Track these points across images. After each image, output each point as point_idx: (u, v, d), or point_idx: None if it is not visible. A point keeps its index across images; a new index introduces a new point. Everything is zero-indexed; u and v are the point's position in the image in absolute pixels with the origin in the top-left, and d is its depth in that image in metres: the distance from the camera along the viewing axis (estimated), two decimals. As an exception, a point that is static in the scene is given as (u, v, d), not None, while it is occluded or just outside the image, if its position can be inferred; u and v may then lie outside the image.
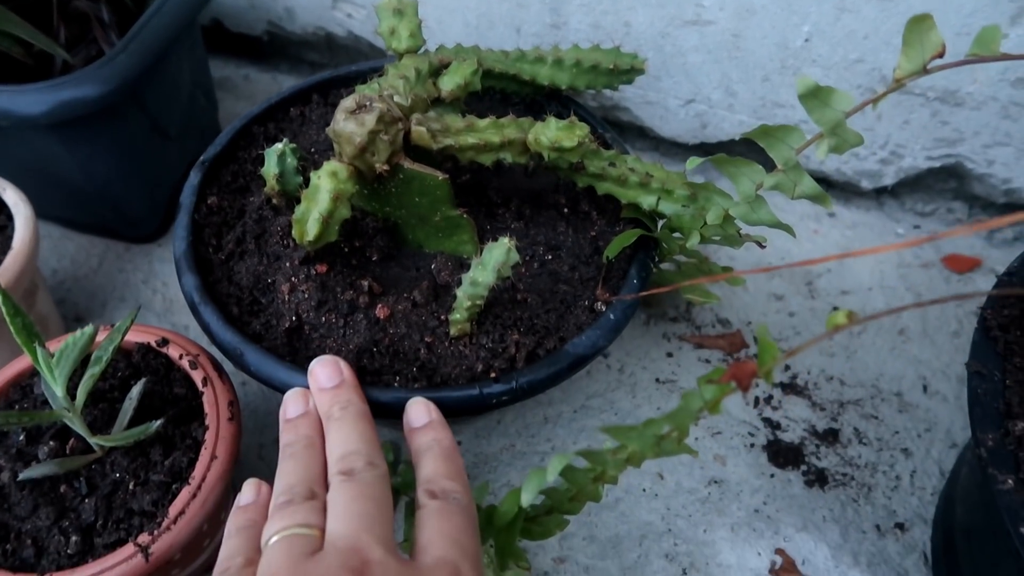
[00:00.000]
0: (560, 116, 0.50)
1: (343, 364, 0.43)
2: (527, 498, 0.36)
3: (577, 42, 0.69)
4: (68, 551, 0.42)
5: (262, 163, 0.58)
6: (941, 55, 0.37)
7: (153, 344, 0.49)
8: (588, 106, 0.67)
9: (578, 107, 0.61)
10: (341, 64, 0.84)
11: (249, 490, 0.40)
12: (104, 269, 0.71)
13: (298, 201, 0.53)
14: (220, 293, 0.50)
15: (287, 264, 0.51)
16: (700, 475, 0.59)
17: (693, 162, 0.45)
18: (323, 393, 0.42)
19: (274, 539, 0.34)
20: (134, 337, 0.50)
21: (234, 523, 0.38)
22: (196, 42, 0.70)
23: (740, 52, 0.67)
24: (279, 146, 0.51)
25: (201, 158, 0.56)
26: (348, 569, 0.32)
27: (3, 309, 0.38)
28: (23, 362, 0.48)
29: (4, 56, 0.62)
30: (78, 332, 0.40)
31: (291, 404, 0.42)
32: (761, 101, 0.69)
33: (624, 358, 0.66)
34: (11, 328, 0.39)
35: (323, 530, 0.35)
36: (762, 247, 0.51)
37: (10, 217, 0.56)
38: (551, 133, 0.47)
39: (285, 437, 0.40)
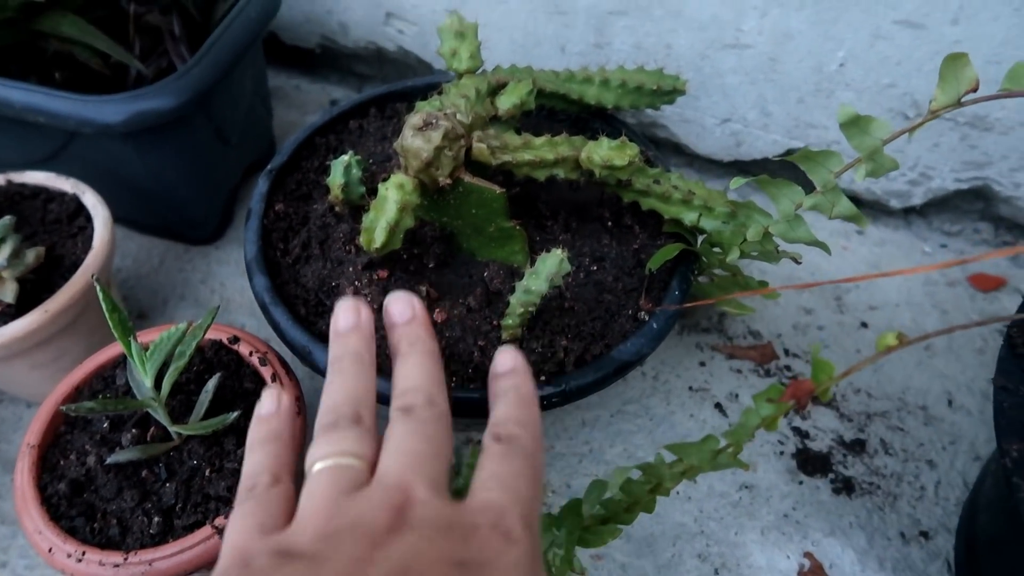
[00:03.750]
0: (604, 133, 0.54)
1: (416, 301, 0.40)
2: (588, 508, 0.39)
3: (619, 62, 0.72)
4: (151, 531, 0.45)
5: (324, 172, 0.62)
6: (975, 89, 0.40)
7: (225, 341, 0.53)
8: (628, 123, 0.70)
9: (622, 125, 0.65)
10: (389, 76, 0.88)
11: (269, 399, 0.38)
12: (165, 268, 0.75)
13: (360, 210, 0.57)
14: (288, 294, 0.53)
15: (350, 269, 0.54)
16: (731, 480, 0.62)
17: (737, 182, 0.48)
18: (394, 328, 0.39)
19: (318, 466, 0.32)
20: (207, 334, 0.53)
21: (255, 434, 0.36)
22: (258, 54, 0.74)
23: (776, 74, 0.69)
24: (345, 157, 0.54)
25: (268, 167, 0.60)
26: (389, 507, 0.30)
27: (103, 305, 0.42)
28: (105, 355, 0.52)
29: (83, 67, 0.66)
30: (172, 328, 0.43)
31: (342, 316, 0.39)
32: (795, 121, 0.72)
33: (658, 366, 0.69)
34: (109, 322, 0.42)
35: (372, 462, 0.33)
36: (798, 263, 0.54)
37: (89, 219, 0.60)
38: (603, 152, 0.50)
39: (333, 351, 0.37)
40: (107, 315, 0.42)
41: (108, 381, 0.51)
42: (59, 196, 0.62)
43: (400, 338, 0.38)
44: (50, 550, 0.44)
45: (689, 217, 0.54)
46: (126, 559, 0.43)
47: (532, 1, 0.72)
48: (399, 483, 0.31)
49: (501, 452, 0.34)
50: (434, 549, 0.28)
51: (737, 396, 0.67)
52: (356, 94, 0.90)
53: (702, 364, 0.69)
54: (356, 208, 0.57)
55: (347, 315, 0.38)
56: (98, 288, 0.42)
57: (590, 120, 0.65)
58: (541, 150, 0.51)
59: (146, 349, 0.44)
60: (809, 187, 0.48)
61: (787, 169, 0.77)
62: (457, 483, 0.61)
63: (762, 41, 0.67)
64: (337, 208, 0.57)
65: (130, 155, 0.64)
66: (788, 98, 0.71)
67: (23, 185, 0.62)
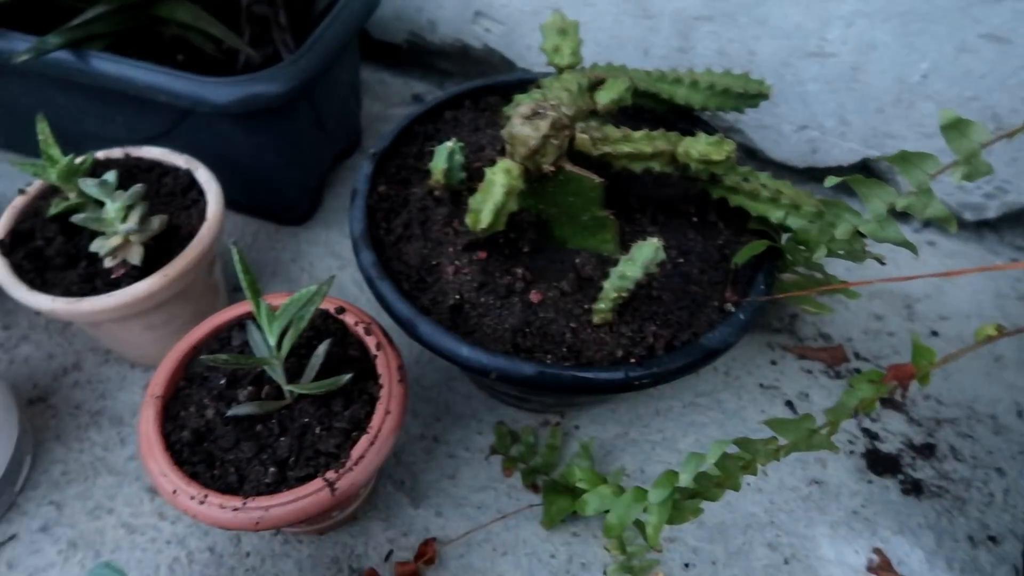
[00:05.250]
0: (690, 133, 0.56)
1: None
2: (685, 478, 0.41)
3: (702, 66, 0.74)
4: (266, 480, 0.48)
5: (422, 158, 0.65)
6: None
7: (332, 311, 0.56)
8: (711, 126, 0.72)
9: (706, 126, 0.67)
10: (470, 74, 0.91)
11: None
12: (257, 246, 0.79)
13: (459, 194, 0.60)
14: (392, 270, 0.56)
15: (449, 249, 0.57)
16: (802, 475, 0.63)
17: (831, 180, 0.50)
18: None
19: None
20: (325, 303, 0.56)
21: None
22: (355, 47, 0.78)
23: (858, 84, 0.71)
24: (449, 144, 0.57)
25: (372, 150, 0.63)
26: None
27: (239, 267, 0.45)
28: (220, 318, 0.56)
29: (197, 51, 0.70)
30: (304, 291, 0.46)
31: None
32: (873, 131, 0.74)
33: (730, 363, 0.71)
34: (243, 283, 0.46)
35: None
36: (882, 263, 0.55)
37: (201, 193, 0.64)
38: (701, 147, 0.52)
39: None
40: (241, 276, 0.46)
41: (224, 342, 0.55)
42: (173, 171, 0.66)
43: None
44: (174, 492, 0.48)
45: (776, 215, 0.56)
46: (244, 504, 0.47)
47: (619, 4, 0.74)
48: None
49: None
50: None
51: (808, 396, 0.68)
52: (438, 90, 0.94)
53: (773, 363, 0.71)
54: (455, 192, 0.60)
55: None
56: (235, 251, 0.46)
57: (675, 120, 0.67)
58: (640, 143, 0.54)
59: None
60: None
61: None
62: (535, 461, 0.64)
63: (845, 51, 0.69)
64: (437, 192, 0.60)
65: (237, 136, 0.68)
66: (867, 108, 0.72)
67: (140, 159, 0.67)
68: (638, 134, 0.54)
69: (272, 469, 0.49)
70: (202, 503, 0.47)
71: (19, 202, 0.63)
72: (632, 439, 0.65)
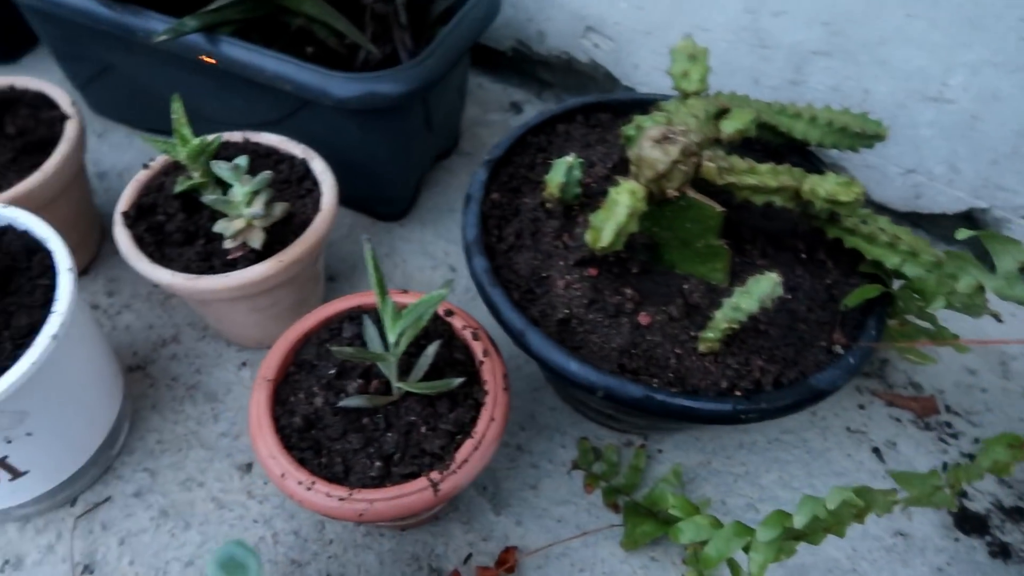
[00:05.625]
0: (800, 167, 0.56)
1: None
2: (799, 520, 0.41)
3: (814, 100, 0.74)
4: (371, 474, 0.49)
5: (533, 168, 0.66)
6: None
7: (440, 313, 0.57)
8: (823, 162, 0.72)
9: (819, 162, 0.66)
10: (570, 86, 0.91)
11: None
12: (352, 238, 0.80)
13: (570, 208, 0.61)
14: (503, 279, 0.57)
15: (560, 262, 0.57)
16: (886, 524, 0.62)
17: (963, 233, 0.49)
18: None
19: None
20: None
21: None
22: (468, 53, 0.79)
23: (974, 133, 0.70)
24: (569, 159, 0.58)
25: (486, 158, 0.64)
26: None
27: (369, 264, 0.46)
28: (331, 308, 0.57)
29: (321, 45, 0.72)
30: (435, 292, 0.47)
31: None
32: (984, 182, 0.72)
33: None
34: (372, 279, 0.47)
35: None
36: (1000, 321, 0.54)
37: (315, 183, 0.65)
38: (829, 187, 0.52)
39: None
40: (371, 273, 0.47)
41: (334, 332, 0.56)
42: (289, 159, 0.68)
43: None
44: (282, 475, 0.49)
45: (892, 260, 0.56)
46: (350, 495, 0.48)
47: (736, 33, 0.74)
48: None
49: None
50: None
51: (895, 445, 0.67)
52: (535, 99, 0.94)
53: (861, 407, 0.70)
54: (567, 206, 0.61)
55: None
56: (368, 248, 0.47)
57: (785, 153, 0.67)
58: (765, 177, 0.53)
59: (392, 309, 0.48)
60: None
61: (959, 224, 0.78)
62: (618, 481, 0.64)
63: (966, 98, 0.68)
64: (549, 204, 0.61)
65: (350, 129, 0.70)
66: (981, 158, 0.71)
67: (258, 144, 0.68)
68: (764, 167, 0.54)
69: (378, 463, 0.50)
70: (309, 489, 0.48)
71: (143, 176, 0.65)
72: (715, 469, 0.65)
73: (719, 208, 0.53)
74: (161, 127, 0.87)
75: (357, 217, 0.82)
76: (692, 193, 0.53)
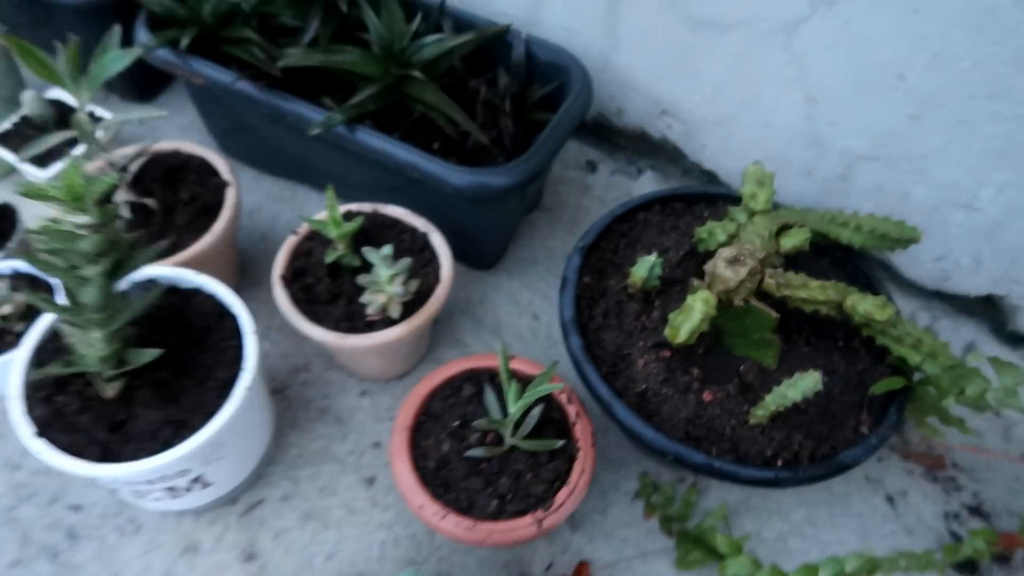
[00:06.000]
0: (846, 267, 0.69)
1: None
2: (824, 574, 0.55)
3: (859, 195, 0.86)
4: (489, 510, 0.64)
5: (616, 253, 0.78)
6: None
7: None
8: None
9: (859, 257, 0.78)
10: (641, 151, 1.03)
11: None
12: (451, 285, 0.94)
13: (648, 294, 0.74)
14: (593, 354, 0.70)
15: (639, 343, 0.71)
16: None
17: (976, 357, 0.62)
18: None
19: None
20: (523, 367, 0.71)
21: None
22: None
23: (997, 237, 0.81)
24: (651, 259, 0.70)
25: (579, 244, 0.77)
26: None
27: (501, 357, 0.60)
28: (453, 368, 0.71)
29: (439, 131, 0.85)
30: (547, 379, 0.61)
31: None
32: (1003, 275, 0.84)
33: (841, 453, 0.83)
34: (501, 363, 0.60)
35: None
36: (998, 415, 0.67)
37: (434, 254, 0.79)
38: (867, 307, 0.64)
39: None
40: (501, 361, 0.60)
41: (455, 389, 0.70)
42: (411, 230, 0.81)
43: None
44: (420, 506, 0.64)
45: (915, 359, 0.68)
46: (475, 525, 0.62)
47: (796, 133, 0.86)
48: None
49: None
50: None
51: (906, 494, 0.80)
52: (609, 159, 1.07)
53: (879, 459, 0.83)
54: (647, 292, 0.74)
55: None
56: (500, 351, 0.60)
57: (831, 250, 0.79)
58: (815, 291, 0.66)
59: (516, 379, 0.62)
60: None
61: (987, 309, 0.89)
62: (673, 511, 0.78)
63: (992, 209, 0.79)
64: (631, 290, 0.74)
65: (461, 206, 0.83)
66: (1002, 257, 0.82)
67: (385, 216, 0.82)
68: (814, 283, 0.66)
69: (495, 501, 0.64)
70: (442, 519, 0.63)
71: (291, 241, 0.79)
72: (753, 505, 0.79)
73: (775, 314, 0.66)
74: (285, 175, 1.01)
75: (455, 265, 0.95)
76: (754, 301, 0.66)
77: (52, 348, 0.66)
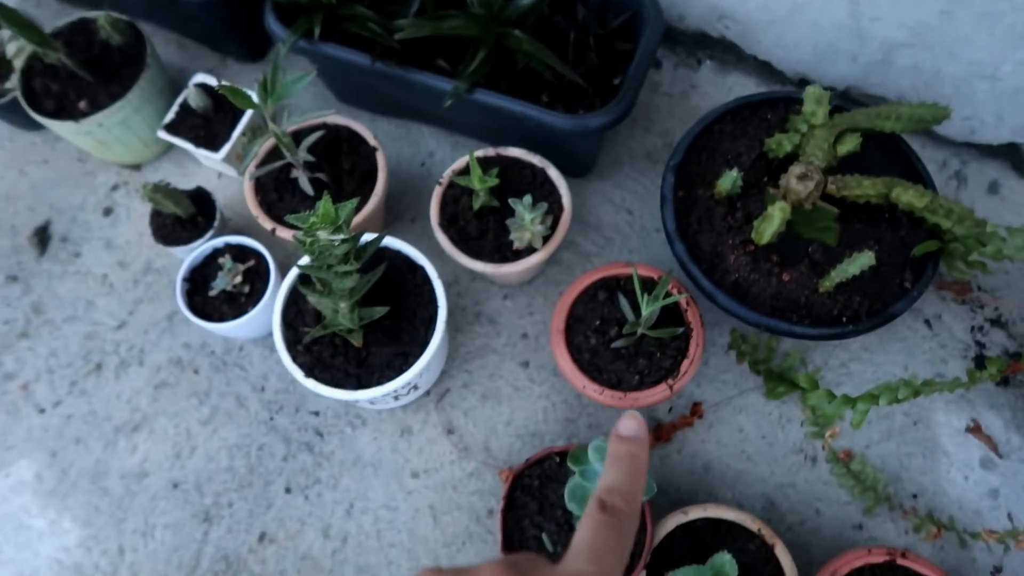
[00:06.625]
0: (884, 146, 0.87)
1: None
2: (883, 402, 0.78)
3: (897, 74, 1.00)
4: (633, 383, 0.88)
5: (700, 165, 0.96)
6: None
7: (655, 279, 0.92)
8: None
9: (904, 145, 0.95)
10: (699, 47, 1.16)
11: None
12: (556, 196, 1.13)
13: (732, 199, 0.93)
14: (694, 256, 0.91)
15: (728, 241, 0.91)
16: (931, 369, 1.00)
17: (993, 226, 0.80)
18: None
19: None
20: (642, 272, 0.92)
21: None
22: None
23: (1017, 100, 0.96)
24: (733, 174, 0.89)
25: (670, 163, 0.95)
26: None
27: (664, 283, 0.81)
28: (589, 279, 0.92)
29: (537, 76, 1.00)
30: (664, 277, 0.82)
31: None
32: (1022, 127, 1.00)
33: (888, 291, 1.05)
34: (635, 274, 0.82)
35: None
36: (1012, 261, 0.87)
37: (553, 186, 0.98)
38: (908, 197, 0.83)
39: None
40: (634, 273, 0.82)
41: (591, 296, 0.92)
42: (530, 166, 0.99)
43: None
44: (583, 386, 0.88)
45: (946, 224, 0.87)
46: (624, 396, 0.87)
47: (841, 29, 0.99)
48: (578, 571, 0.37)
49: (601, 522, 0.39)
50: None
51: (940, 317, 1.03)
52: (671, 53, 1.20)
53: (919, 293, 1.04)
54: (729, 198, 0.92)
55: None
56: (667, 276, 0.81)
57: (876, 135, 0.95)
58: (866, 188, 0.85)
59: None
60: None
61: (1008, 152, 1.06)
62: (759, 355, 1.01)
63: (1013, 78, 0.94)
64: (716, 197, 0.93)
65: (563, 137, 1.00)
66: (1021, 114, 0.98)
67: (506, 156, 1.00)
68: (867, 182, 0.85)
69: (636, 377, 0.88)
70: (600, 394, 0.88)
71: (438, 191, 0.99)
72: (820, 343, 1.02)
73: (835, 210, 0.85)
74: (399, 116, 1.17)
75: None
76: (819, 203, 0.85)
77: (293, 311, 0.90)
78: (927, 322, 1.03)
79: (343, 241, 0.73)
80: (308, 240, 0.73)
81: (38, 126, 1.21)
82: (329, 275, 0.76)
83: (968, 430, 0.97)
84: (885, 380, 0.98)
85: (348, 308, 0.81)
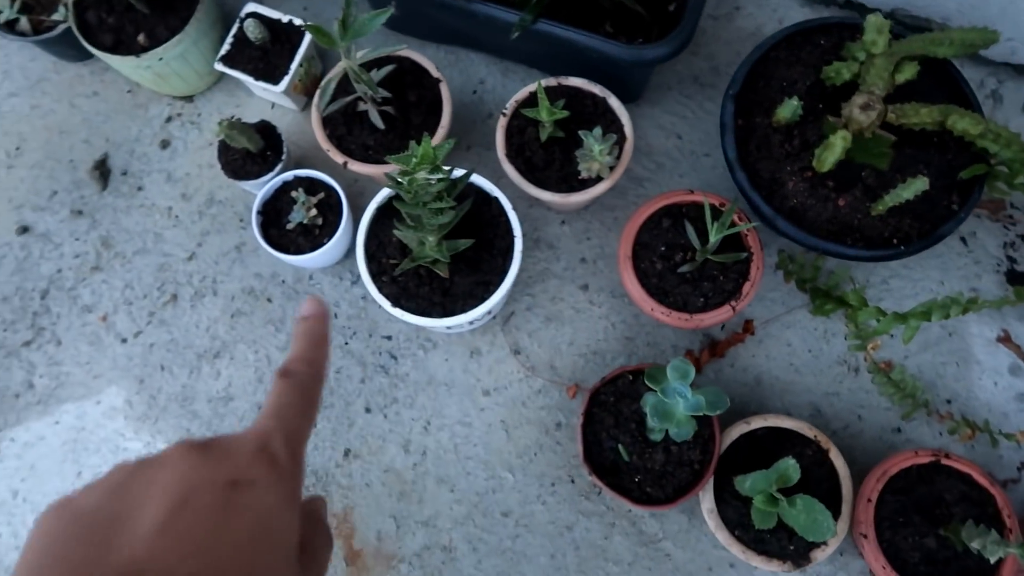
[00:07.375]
0: (935, 71, 0.91)
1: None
2: (935, 318, 0.85)
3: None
4: (698, 304, 0.94)
5: (756, 92, 0.99)
6: None
7: (717, 205, 0.97)
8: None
9: (954, 69, 0.98)
10: (746, -33, 1.17)
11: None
12: (607, 122, 1.16)
13: (790, 126, 0.97)
14: (753, 183, 0.95)
15: (787, 168, 0.95)
16: (964, 284, 1.07)
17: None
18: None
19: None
20: (702, 198, 0.97)
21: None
22: None
23: (1064, 20, 0.99)
24: (793, 103, 0.92)
25: (729, 93, 0.98)
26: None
27: (729, 214, 0.86)
28: (653, 206, 0.97)
29: (596, 3, 1.01)
30: (730, 206, 0.87)
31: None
32: (1065, 49, 1.03)
33: (927, 211, 1.10)
34: (706, 203, 0.87)
35: None
36: (1054, 182, 0.93)
37: (615, 116, 1.01)
38: (963, 124, 0.87)
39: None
40: (705, 202, 0.87)
41: (656, 223, 0.97)
42: (591, 96, 1.02)
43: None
44: (651, 309, 0.94)
45: (993, 148, 0.92)
46: (691, 317, 0.94)
47: (896, -50, 1.00)
48: (260, 428, 0.38)
49: (283, 386, 0.40)
50: (213, 470, 0.34)
51: (975, 234, 1.09)
52: (716, -24, 1.20)
53: (955, 211, 1.10)
54: (787, 126, 0.96)
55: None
56: (733, 206, 0.86)
57: (929, 61, 0.98)
58: (923, 116, 0.89)
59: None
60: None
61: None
62: (805, 274, 1.08)
63: (1063, 1, 0.97)
64: (775, 125, 0.96)
65: (622, 66, 1.02)
66: (1066, 35, 1.01)
67: (568, 86, 1.02)
68: (924, 110, 0.89)
69: (701, 299, 0.94)
70: (666, 316, 0.94)
71: (503, 122, 1.01)
72: (863, 264, 1.09)
73: (892, 137, 0.89)
74: (449, 43, 1.18)
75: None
76: (878, 131, 0.89)
77: (375, 243, 0.94)
78: (963, 239, 1.09)
79: (439, 180, 0.77)
80: (407, 179, 0.76)
81: (84, 57, 1.22)
82: (424, 211, 0.80)
83: (999, 340, 1.05)
84: (923, 295, 1.05)
85: (436, 241, 0.86)
